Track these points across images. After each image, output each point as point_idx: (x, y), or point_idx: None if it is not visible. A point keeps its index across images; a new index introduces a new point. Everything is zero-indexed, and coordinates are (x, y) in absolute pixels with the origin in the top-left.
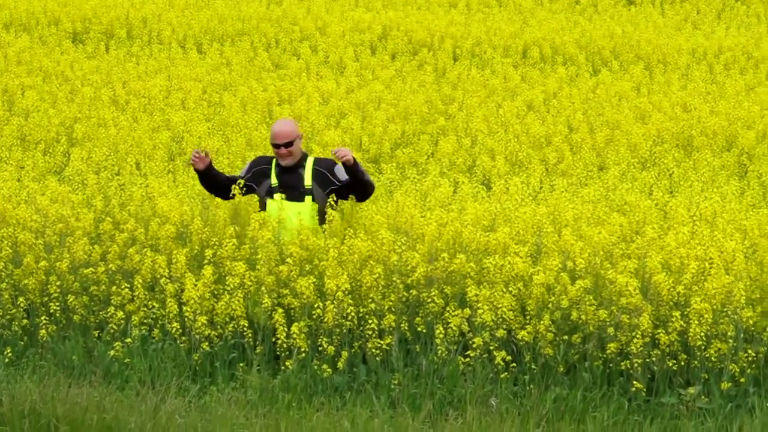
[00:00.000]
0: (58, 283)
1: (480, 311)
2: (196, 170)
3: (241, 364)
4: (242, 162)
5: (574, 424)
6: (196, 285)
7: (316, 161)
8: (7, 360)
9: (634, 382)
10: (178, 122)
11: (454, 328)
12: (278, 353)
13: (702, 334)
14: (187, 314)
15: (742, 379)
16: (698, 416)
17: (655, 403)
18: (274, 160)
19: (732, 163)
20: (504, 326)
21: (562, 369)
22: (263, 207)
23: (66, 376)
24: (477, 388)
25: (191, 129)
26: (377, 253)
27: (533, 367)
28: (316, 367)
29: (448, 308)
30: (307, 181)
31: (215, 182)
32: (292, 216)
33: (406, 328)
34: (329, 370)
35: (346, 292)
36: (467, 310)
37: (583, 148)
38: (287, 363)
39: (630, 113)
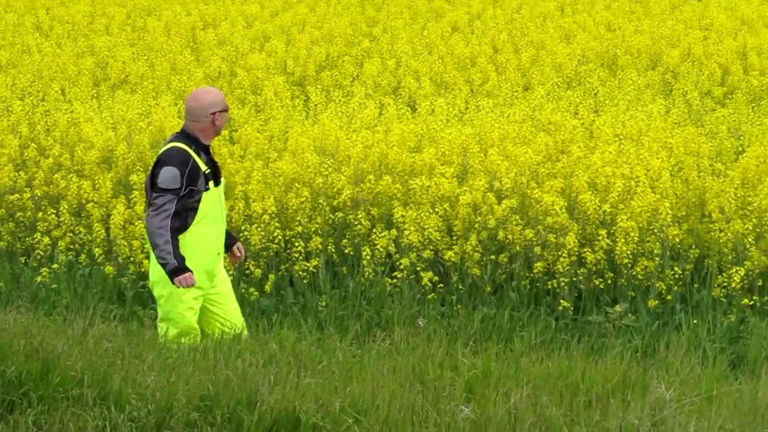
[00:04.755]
0: None
1: (407, 232)
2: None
3: None
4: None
5: (501, 344)
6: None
7: None
8: None
9: (561, 301)
10: (102, 48)
11: (381, 249)
12: None
13: (628, 252)
14: (114, 239)
15: (669, 297)
16: (625, 333)
17: (583, 322)
18: (189, 149)
19: (657, 82)
20: (431, 247)
21: (489, 289)
22: (190, 209)
23: None
24: (404, 309)
25: (116, 54)
26: (303, 175)
27: (460, 287)
28: (243, 290)
29: (374, 230)
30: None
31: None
32: (223, 206)
33: (333, 250)
34: (256, 293)
35: (273, 215)
36: (394, 232)
37: (508, 69)
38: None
39: (555, 33)
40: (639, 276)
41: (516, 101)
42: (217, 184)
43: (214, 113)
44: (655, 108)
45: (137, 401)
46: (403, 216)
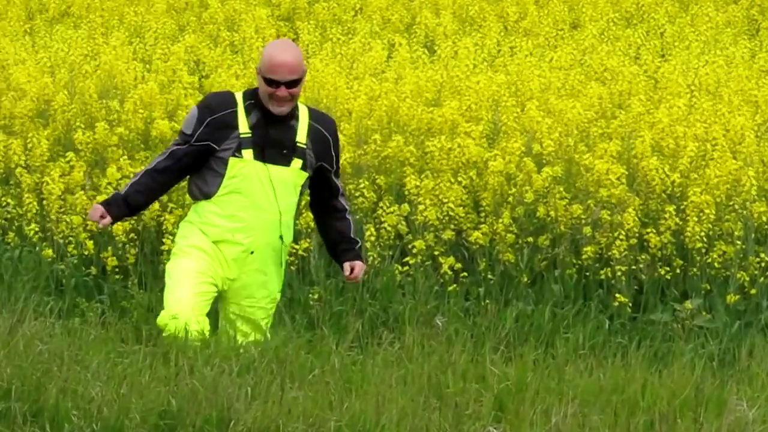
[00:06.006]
0: None
1: (422, 207)
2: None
3: (120, 275)
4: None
5: (540, 348)
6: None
7: (314, 114)
8: None
9: (617, 295)
10: None
11: (389, 228)
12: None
13: (702, 234)
14: (50, 214)
15: (753, 291)
16: (697, 337)
17: (644, 322)
18: (241, 100)
19: (740, 18)
20: (452, 226)
21: (525, 279)
22: (219, 170)
23: None
24: (418, 305)
25: None
26: None
27: (489, 277)
28: None
29: (381, 204)
30: (301, 136)
31: (149, 197)
32: (271, 189)
33: None
34: None
35: None
36: (405, 206)
37: (551, 0)
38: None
39: None
40: (716, 264)
41: (561, 42)
42: (261, 158)
43: (258, 71)
44: (737, 51)
45: (79, 419)
46: (417, 186)
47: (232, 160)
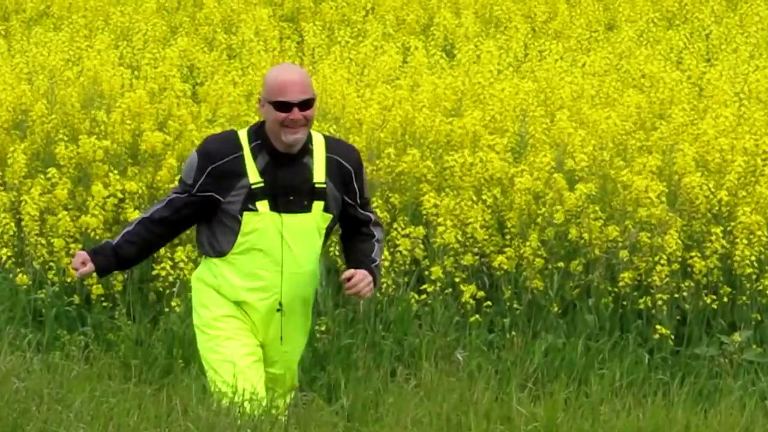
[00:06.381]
0: None
1: (441, 229)
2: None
3: (106, 304)
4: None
5: (573, 385)
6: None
7: (331, 144)
8: None
9: (658, 327)
10: None
11: (405, 252)
12: (160, 289)
13: (752, 258)
14: (27, 236)
15: None
16: (747, 373)
17: (687, 356)
18: (246, 142)
19: None
20: (474, 249)
21: (556, 309)
22: (231, 226)
23: None
24: (437, 337)
25: None
26: None
27: (516, 306)
28: None
29: (395, 225)
30: (319, 174)
31: (143, 250)
32: (296, 243)
33: (337, 253)
34: None
35: None
36: (422, 228)
37: None
38: (172, 303)
39: None
40: (767, 292)
41: (595, 45)
42: (277, 208)
43: (260, 100)
44: None
45: None
46: (435, 206)
47: (246, 216)
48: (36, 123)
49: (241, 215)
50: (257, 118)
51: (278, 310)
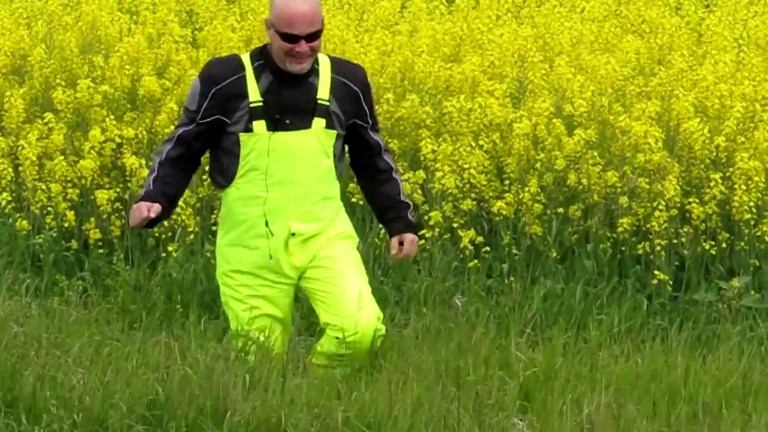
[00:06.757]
0: None
1: (439, 174)
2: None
3: (104, 250)
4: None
5: (571, 330)
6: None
7: (337, 65)
8: None
9: (656, 272)
10: None
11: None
12: (157, 234)
13: (751, 204)
14: (25, 181)
15: None
16: (746, 318)
17: (686, 302)
18: (249, 63)
19: None
20: (473, 195)
21: (554, 255)
22: (233, 149)
23: None
24: (435, 283)
25: None
26: None
27: (514, 252)
28: (210, 255)
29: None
30: (323, 91)
31: (181, 184)
32: (293, 160)
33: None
34: None
35: None
36: (420, 173)
37: None
38: (169, 248)
39: None
40: (766, 238)
41: None
42: (275, 127)
43: (266, 21)
44: None
45: (58, 408)
46: (434, 151)
47: (242, 137)
48: (34, 68)
49: (240, 136)
50: None
51: (293, 234)
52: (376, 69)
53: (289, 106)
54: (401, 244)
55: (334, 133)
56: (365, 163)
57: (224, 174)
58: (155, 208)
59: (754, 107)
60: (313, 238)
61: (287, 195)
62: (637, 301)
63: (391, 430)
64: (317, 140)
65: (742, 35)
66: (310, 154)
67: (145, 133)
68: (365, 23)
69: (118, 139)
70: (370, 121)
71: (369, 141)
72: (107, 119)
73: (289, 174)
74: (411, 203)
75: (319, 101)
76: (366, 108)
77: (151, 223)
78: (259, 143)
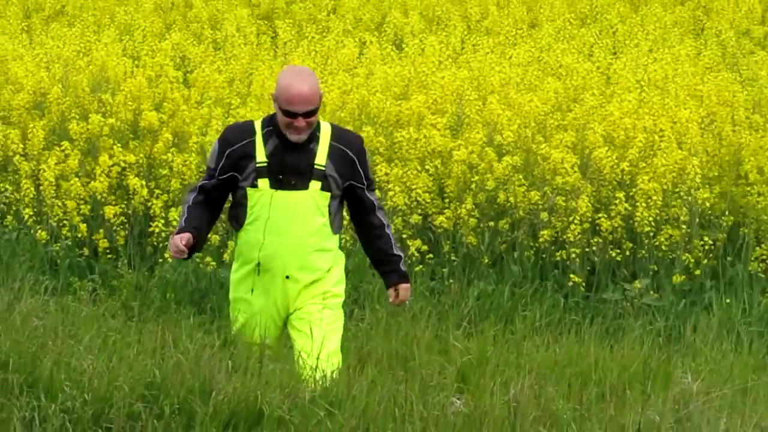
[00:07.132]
0: None
1: (391, 193)
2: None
3: (111, 256)
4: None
5: (500, 325)
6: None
7: (336, 133)
8: None
9: (572, 276)
10: None
11: None
12: (155, 243)
13: (650, 218)
14: (45, 198)
15: (697, 272)
16: (646, 314)
17: (596, 300)
18: (259, 129)
19: (686, 19)
20: (419, 211)
21: (486, 261)
22: (243, 201)
23: None
24: None
25: None
26: None
27: (453, 258)
28: (199, 260)
29: None
30: (320, 157)
31: (209, 222)
32: (288, 215)
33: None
34: (213, 263)
35: None
36: (376, 193)
37: (511, 2)
38: (165, 254)
39: None
40: (663, 247)
41: (520, 40)
42: (277, 185)
43: (274, 99)
44: (683, 50)
45: (71, 389)
46: (386, 174)
47: (249, 191)
48: (53, 104)
49: (248, 191)
50: (238, 100)
51: (287, 277)
52: (337, 105)
53: (291, 168)
54: (398, 294)
55: (328, 194)
56: (360, 220)
57: (237, 220)
58: (186, 237)
59: (653, 138)
60: (312, 285)
61: (282, 244)
62: (556, 299)
63: (349, 407)
64: (313, 200)
65: (643, 78)
66: (306, 212)
67: (145, 158)
68: (329, 67)
69: (122, 164)
70: (365, 183)
71: (364, 200)
72: (114, 147)
73: (286, 227)
74: (401, 254)
75: (316, 166)
76: (361, 171)
77: (189, 254)
78: (262, 198)
